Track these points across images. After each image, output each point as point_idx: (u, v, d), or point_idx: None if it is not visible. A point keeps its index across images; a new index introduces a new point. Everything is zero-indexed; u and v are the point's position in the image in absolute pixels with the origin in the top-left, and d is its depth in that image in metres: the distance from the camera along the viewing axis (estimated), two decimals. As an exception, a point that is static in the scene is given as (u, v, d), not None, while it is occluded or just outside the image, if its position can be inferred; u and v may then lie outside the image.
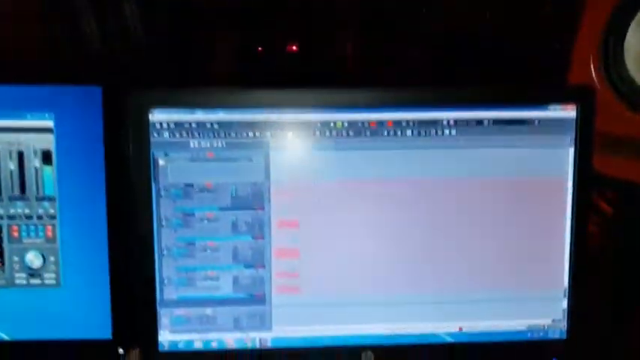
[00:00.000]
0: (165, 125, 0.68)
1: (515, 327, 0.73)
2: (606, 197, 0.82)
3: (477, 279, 0.72)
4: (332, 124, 0.69)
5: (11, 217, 0.67)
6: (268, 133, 0.68)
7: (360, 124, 0.69)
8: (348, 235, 0.70)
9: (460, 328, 0.73)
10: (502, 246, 0.71)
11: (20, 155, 0.66)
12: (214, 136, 0.68)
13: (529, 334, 0.73)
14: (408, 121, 0.69)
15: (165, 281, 0.69)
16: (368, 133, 0.69)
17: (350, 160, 0.69)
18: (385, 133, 0.69)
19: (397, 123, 0.69)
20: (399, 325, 0.72)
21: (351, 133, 0.69)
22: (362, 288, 0.71)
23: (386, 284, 0.71)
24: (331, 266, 0.70)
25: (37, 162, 0.66)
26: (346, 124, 0.69)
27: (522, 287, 0.72)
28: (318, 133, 0.69)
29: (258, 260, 0.70)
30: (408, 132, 0.69)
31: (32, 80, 0.65)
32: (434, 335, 0.72)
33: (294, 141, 0.69)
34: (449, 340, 0.73)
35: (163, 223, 0.69)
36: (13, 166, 0.66)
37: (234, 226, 0.69)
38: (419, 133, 0.69)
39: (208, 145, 0.68)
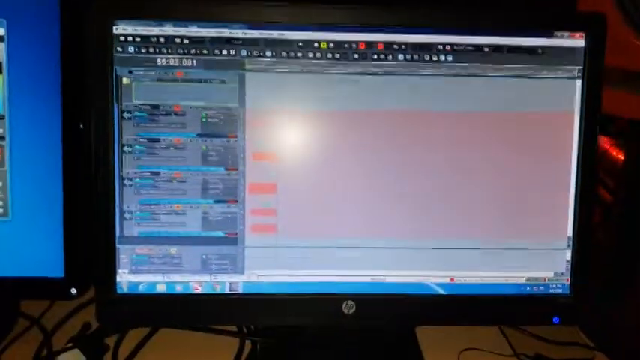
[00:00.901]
0: (130, 39, 0.61)
1: (513, 279, 0.66)
2: (607, 186, 0.75)
3: (471, 224, 0.65)
4: (315, 45, 0.62)
5: (-45, 138, 0.60)
6: (244, 52, 0.61)
7: (346, 46, 0.62)
8: (330, 170, 0.63)
9: (452, 279, 0.66)
10: (499, 188, 0.64)
11: (-34, 66, 0.59)
12: (184, 53, 0.61)
13: (528, 288, 0.66)
14: (399, 44, 0.62)
15: (126, 215, 0.62)
16: (355, 55, 0.62)
17: (334, 86, 0.62)
18: (374, 56, 0.62)
19: (388, 45, 0.62)
20: (384, 272, 0.65)
21: (336, 55, 0.62)
22: (344, 230, 0.64)
23: (370, 226, 0.64)
24: (311, 205, 0.63)
25: (-15, 75, 0.59)
26: (331, 45, 0.62)
27: (522, 235, 0.65)
28: (299, 54, 0.62)
29: (231, 195, 0.63)
30: (400, 56, 0.63)
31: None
32: (423, 285, 0.65)
33: (272, 62, 0.62)
34: (440, 291, 0.66)
35: (125, 149, 0.62)
36: (-42, 79, 0.59)
37: (204, 156, 0.62)
38: (411, 58, 0.63)
39: (177, 63, 0.61)
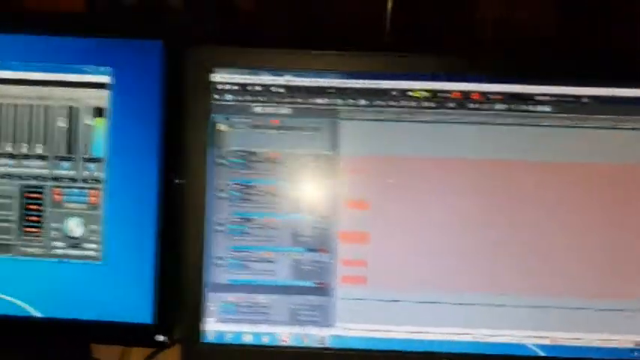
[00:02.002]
0: (227, 87, 0.62)
1: (619, 343, 0.62)
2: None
3: (573, 282, 0.61)
4: (410, 93, 0.62)
5: (55, 179, 0.61)
6: (339, 100, 0.61)
7: (441, 95, 0.61)
8: (425, 220, 0.61)
9: (552, 341, 0.61)
10: (604, 244, 0.61)
11: (71, 111, 0.61)
12: (280, 102, 0.62)
13: (636, 354, 0.61)
14: (496, 94, 0.61)
15: (216, 261, 0.61)
16: (451, 104, 0.61)
17: (429, 134, 0.61)
18: (470, 105, 0.61)
19: (484, 95, 0.61)
20: (479, 330, 0.61)
21: (431, 103, 0.61)
22: (438, 284, 0.61)
23: (467, 281, 0.61)
24: (405, 256, 0.61)
25: (88, 119, 0.61)
26: (426, 94, 0.61)
27: (629, 295, 0.61)
28: (394, 102, 0.61)
29: (322, 243, 0.61)
30: (497, 106, 0.61)
31: (89, 32, 0.61)
32: (521, 347, 0.61)
33: (366, 110, 0.61)
34: (539, 353, 0.61)
35: (219, 194, 0.61)
36: (63, 122, 0.61)
37: (297, 203, 0.61)
38: (509, 108, 0.61)
39: (273, 111, 0.62)
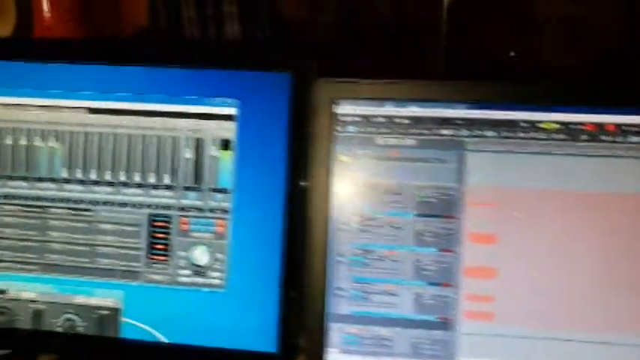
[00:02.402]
0: (350, 119, 0.61)
1: None
2: None
3: None
4: (540, 125, 0.60)
5: (182, 209, 0.62)
6: (465, 132, 0.60)
7: (574, 127, 0.59)
8: (556, 255, 0.59)
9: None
10: None
11: (199, 143, 0.62)
12: (404, 133, 0.61)
13: None
14: (633, 126, 0.59)
15: (339, 292, 0.61)
16: (583, 137, 0.59)
17: (561, 167, 0.59)
18: (604, 138, 0.59)
19: (620, 127, 0.59)
20: (613, 371, 0.59)
21: (562, 135, 0.59)
22: (570, 321, 0.59)
23: (600, 319, 0.59)
24: (534, 292, 0.60)
25: (215, 151, 0.62)
26: (557, 126, 0.59)
27: None
28: (523, 134, 0.60)
29: (446, 277, 0.60)
30: (633, 138, 0.59)
31: (215, 63, 0.62)
32: (656, 389, 0.59)
33: (494, 142, 0.60)
34: (675, 397, 0.59)
35: (340, 225, 0.61)
36: (190, 154, 0.62)
37: (419, 235, 0.61)
38: (646, 140, 0.58)
39: (396, 142, 0.61)
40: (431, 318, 0.62)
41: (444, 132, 0.61)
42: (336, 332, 0.63)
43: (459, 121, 0.61)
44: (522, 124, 0.61)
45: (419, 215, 0.61)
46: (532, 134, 0.60)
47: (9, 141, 0.65)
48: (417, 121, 0.62)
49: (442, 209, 0.61)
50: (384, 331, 0.62)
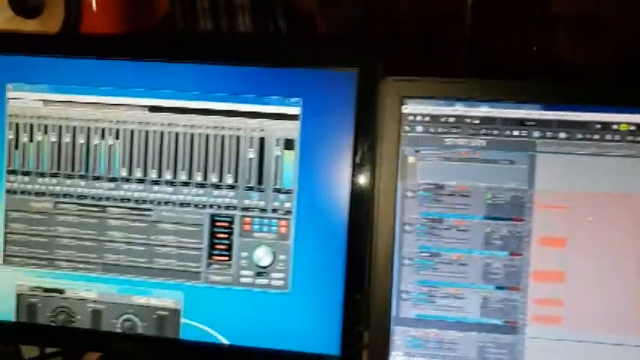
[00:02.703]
0: (419, 118, 0.60)
1: None
2: None
3: None
4: (614, 127, 0.58)
5: (245, 209, 0.61)
6: (537, 133, 0.59)
7: (649, 128, 0.58)
8: (626, 259, 0.58)
9: None
10: None
11: (262, 142, 0.61)
12: (473, 134, 0.59)
13: None
14: None
15: (403, 295, 0.61)
16: (659, 139, 0.58)
17: (633, 170, 0.58)
18: (681, 140, 0.57)
19: (696, 129, 0.57)
20: (685, 377, 0.58)
21: (637, 137, 0.58)
22: (639, 326, 0.58)
23: (671, 325, 0.58)
24: (603, 295, 0.59)
25: (278, 151, 0.61)
26: (632, 128, 0.58)
27: None
28: (596, 136, 0.58)
29: (513, 281, 0.59)
30: None
31: (278, 61, 0.60)
32: None
33: (566, 143, 0.58)
34: None
35: (406, 228, 0.60)
36: (253, 154, 0.61)
37: (487, 239, 0.60)
38: None
39: (465, 143, 0.60)
40: (498, 322, 0.61)
41: (515, 133, 0.60)
42: (400, 335, 0.62)
43: (531, 122, 0.60)
44: (596, 126, 0.59)
45: (487, 218, 0.60)
46: (605, 136, 0.59)
47: (67, 139, 0.64)
48: (487, 121, 0.60)
49: (511, 212, 0.60)
50: (449, 334, 0.61)
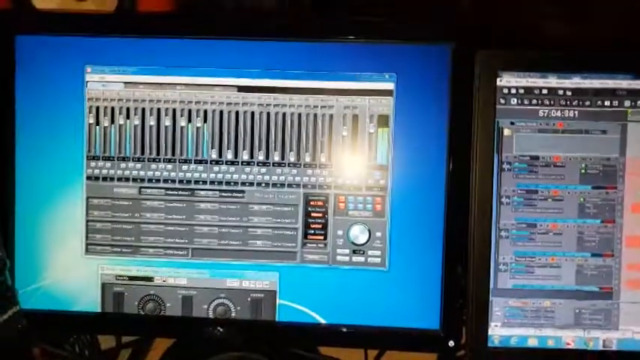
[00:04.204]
0: (513, 91, 0.61)
1: None
2: None
3: None
4: (703, 94, 0.60)
5: (339, 187, 0.62)
6: (628, 102, 0.60)
7: None
8: None
9: None
10: None
11: (355, 119, 0.61)
12: (566, 105, 0.61)
13: None
14: None
15: (501, 267, 0.62)
16: None
17: None
18: None
19: None
20: None
21: None
22: None
23: None
24: (694, 258, 0.61)
25: (372, 127, 0.61)
26: None
27: None
28: (686, 103, 0.60)
29: (607, 248, 0.61)
30: None
31: (370, 37, 0.60)
32: None
33: (657, 112, 0.60)
34: None
35: (503, 200, 0.62)
36: (346, 131, 0.61)
37: (582, 208, 0.62)
38: None
39: (559, 114, 0.61)
40: (593, 288, 0.63)
41: (607, 103, 0.61)
42: (498, 306, 0.63)
43: (622, 92, 0.61)
44: (687, 94, 0.61)
45: (582, 187, 0.62)
46: (695, 103, 0.61)
47: (152, 122, 0.63)
48: (579, 92, 0.61)
49: (604, 180, 0.62)
50: (546, 302, 0.63)
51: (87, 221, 0.64)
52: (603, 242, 0.63)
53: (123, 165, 0.64)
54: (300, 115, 0.62)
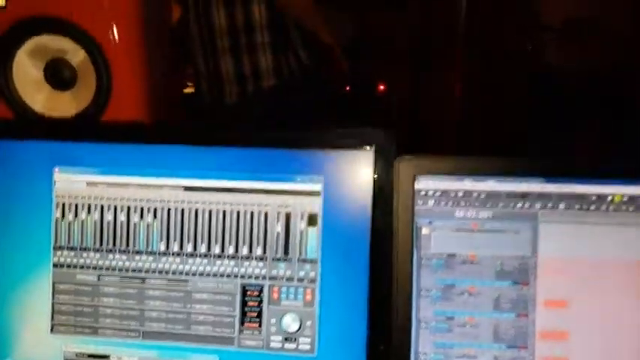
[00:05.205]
0: (430, 193, 0.67)
1: None
2: None
3: None
4: (609, 198, 0.65)
5: (273, 278, 0.68)
6: (539, 204, 0.65)
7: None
8: (624, 321, 0.64)
9: None
10: None
11: (287, 217, 0.68)
12: (481, 206, 0.66)
13: None
14: (696, 198, 0.64)
15: (422, 356, 0.67)
16: (649, 208, 0.64)
17: (628, 237, 0.64)
18: (670, 209, 0.64)
19: (684, 199, 0.64)
20: None
21: (630, 208, 0.64)
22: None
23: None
24: (605, 354, 0.64)
25: (302, 225, 0.68)
26: (626, 199, 0.64)
27: None
28: (593, 206, 0.65)
29: (521, 340, 0.66)
30: (697, 209, 0.64)
31: (302, 144, 0.67)
32: None
33: (566, 213, 0.65)
34: None
35: (423, 293, 0.67)
36: (280, 228, 0.68)
37: (497, 302, 0.66)
38: None
39: (474, 215, 0.66)
40: (509, 379, 0.67)
41: (519, 204, 0.67)
42: (420, 393, 0.68)
43: (533, 195, 0.66)
44: (592, 197, 0.66)
45: (498, 282, 0.67)
46: (601, 206, 0.66)
47: (109, 217, 0.71)
48: (493, 195, 0.67)
49: (518, 277, 0.67)
50: (465, 392, 0.67)
51: (53, 304, 0.73)
52: (518, 335, 0.67)
53: (84, 254, 0.72)
54: (238, 212, 0.70)
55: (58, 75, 1.00)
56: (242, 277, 0.70)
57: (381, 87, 3.20)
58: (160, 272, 0.71)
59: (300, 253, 0.69)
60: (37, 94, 0.99)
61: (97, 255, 0.72)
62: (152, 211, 0.71)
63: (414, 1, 3.04)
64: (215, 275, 0.70)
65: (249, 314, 0.70)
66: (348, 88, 2.49)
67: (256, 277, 0.70)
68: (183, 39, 1.76)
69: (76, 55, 1.00)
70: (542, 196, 0.67)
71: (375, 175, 0.68)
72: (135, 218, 0.71)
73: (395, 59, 2.93)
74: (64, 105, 0.99)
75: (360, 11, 3.02)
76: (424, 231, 0.68)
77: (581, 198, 0.66)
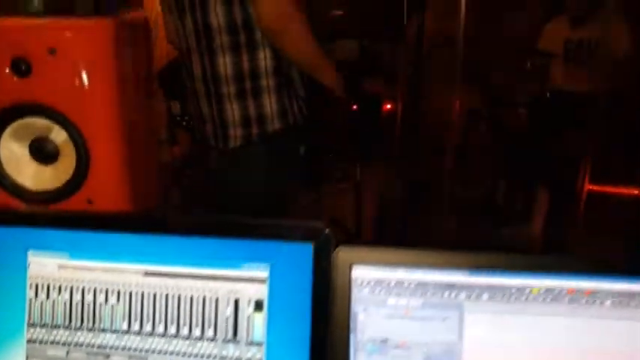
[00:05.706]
0: (366, 282, 0.73)
1: None
2: None
3: None
4: (528, 290, 0.71)
5: (223, 358, 0.75)
6: (463, 294, 0.72)
7: (557, 291, 0.70)
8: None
9: None
10: None
11: (236, 302, 0.75)
12: (411, 295, 0.73)
13: None
14: (606, 292, 0.70)
15: None
16: (565, 300, 0.70)
17: (546, 327, 0.70)
18: (583, 301, 0.70)
19: (594, 292, 0.70)
20: None
21: (547, 299, 0.70)
22: None
23: None
24: None
25: (250, 310, 0.74)
26: (543, 290, 0.71)
27: None
28: (514, 297, 0.71)
29: (449, 419, 0.71)
30: (607, 302, 0.70)
31: (249, 235, 0.75)
32: None
33: (489, 303, 0.71)
34: None
35: (359, 375, 0.73)
36: (229, 312, 0.75)
37: (427, 382, 0.72)
38: (619, 304, 0.69)
39: (405, 303, 0.73)
40: None
41: (446, 294, 0.73)
42: None
43: (459, 286, 0.73)
44: (512, 289, 0.72)
45: (425, 366, 0.73)
46: (521, 297, 0.72)
47: (78, 298, 0.79)
48: (423, 284, 0.73)
49: (445, 361, 0.73)
50: None
51: (26, 376, 0.80)
52: (445, 414, 0.73)
53: (55, 332, 0.79)
54: (192, 296, 0.77)
55: (43, 151, 1.09)
56: (195, 356, 0.77)
57: (388, 106, 3.31)
58: (123, 349, 0.78)
59: (248, 336, 0.76)
60: (25, 170, 1.08)
61: (67, 332, 0.79)
62: (115, 293, 0.78)
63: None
64: (172, 354, 0.77)
65: (203, 391, 0.77)
66: (355, 106, 2.57)
67: (207, 357, 0.77)
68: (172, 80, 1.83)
69: (59, 134, 1.09)
70: (466, 287, 0.73)
71: (315, 265, 0.75)
72: (100, 299, 0.79)
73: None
74: (50, 179, 1.07)
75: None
76: (360, 317, 0.75)
77: (502, 289, 0.73)
